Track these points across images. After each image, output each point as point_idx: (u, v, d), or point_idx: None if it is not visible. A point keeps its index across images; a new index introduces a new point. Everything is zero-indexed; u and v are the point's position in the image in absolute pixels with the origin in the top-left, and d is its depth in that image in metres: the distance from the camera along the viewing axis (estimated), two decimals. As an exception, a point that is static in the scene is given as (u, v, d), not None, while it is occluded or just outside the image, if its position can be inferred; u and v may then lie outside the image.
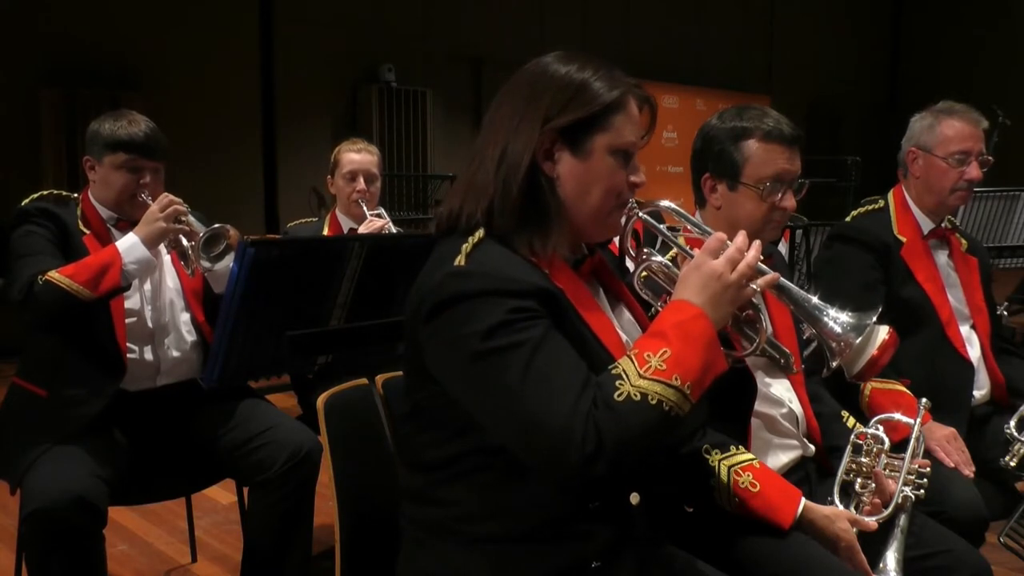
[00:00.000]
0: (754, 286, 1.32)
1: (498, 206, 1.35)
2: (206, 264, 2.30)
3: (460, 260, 1.30)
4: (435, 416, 1.36)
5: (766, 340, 1.41)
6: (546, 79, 1.38)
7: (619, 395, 1.20)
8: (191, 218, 2.31)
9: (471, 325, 1.24)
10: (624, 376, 1.22)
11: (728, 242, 1.33)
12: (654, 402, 1.19)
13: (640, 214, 1.45)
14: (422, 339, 1.32)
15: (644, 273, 1.47)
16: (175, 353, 2.39)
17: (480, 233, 1.34)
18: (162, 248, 2.39)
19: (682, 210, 1.50)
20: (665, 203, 1.49)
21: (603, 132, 1.37)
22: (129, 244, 2.21)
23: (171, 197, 2.29)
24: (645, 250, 1.48)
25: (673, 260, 1.49)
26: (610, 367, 1.25)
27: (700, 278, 1.30)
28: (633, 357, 1.23)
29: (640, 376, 1.21)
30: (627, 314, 1.53)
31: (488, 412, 1.26)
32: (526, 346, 1.22)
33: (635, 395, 1.20)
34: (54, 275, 2.12)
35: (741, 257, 1.31)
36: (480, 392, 1.26)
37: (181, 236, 2.29)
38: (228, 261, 2.31)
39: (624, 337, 1.42)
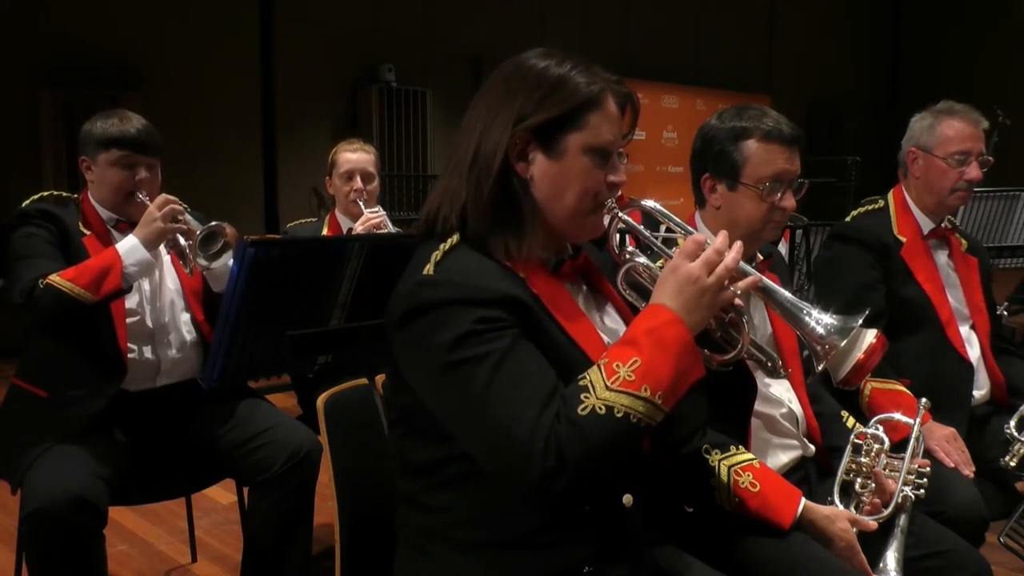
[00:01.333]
0: (734, 289, 1.29)
1: (471, 209, 1.33)
2: (203, 262, 2.30)
3: (429, 268, 1.28)
4: (419, 422, 1.35)
5: (750, 343, 1.37)
6: (520, 75, 1.35)
7: (583, 409, 1.18)
8: (188, 217, 2.31)
9: (438, 336, 1.23)
10: (590, 388, 1.20)
11: (708, 243, 1.29)
12: (620, 415, 1.17)
13: (620, 215, 1.41)
14: (396, 348, 1.31)
15: (629, 275, 1.44)
16: (175, 353, 2.39)
17: (455, 238, 1.32)
18: (162, 248, 2.38)
19: (666, 210, 1.47)
20: (648, 203, 1.46)
21: (577, 131, 1.33)
22: (129, 246, 2.21)
23: (168, 197, 2.29)
24: (630, 250, 1.45)
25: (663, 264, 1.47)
26: (578, 378, 1.22)
27: (675, 282, 1.26)
28: (602, 367, 1.21)
29: (607, 388, 1.19)
30: (615, 316, 1.50)
31: (454, 422, 1.26)
32: (491, 358, 1.20)
33: (600, 408, 1.18)
34: (55, 279, 2.12)
35: (719, 259, 1.27)
36: (447, 402, 1.25)
37: (179, 235, 2.30)
38: (226, 259, 2.32)
39: (607, 340, 1.40)
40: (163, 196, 2.30)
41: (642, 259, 1.44)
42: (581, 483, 1.18)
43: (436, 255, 1.29)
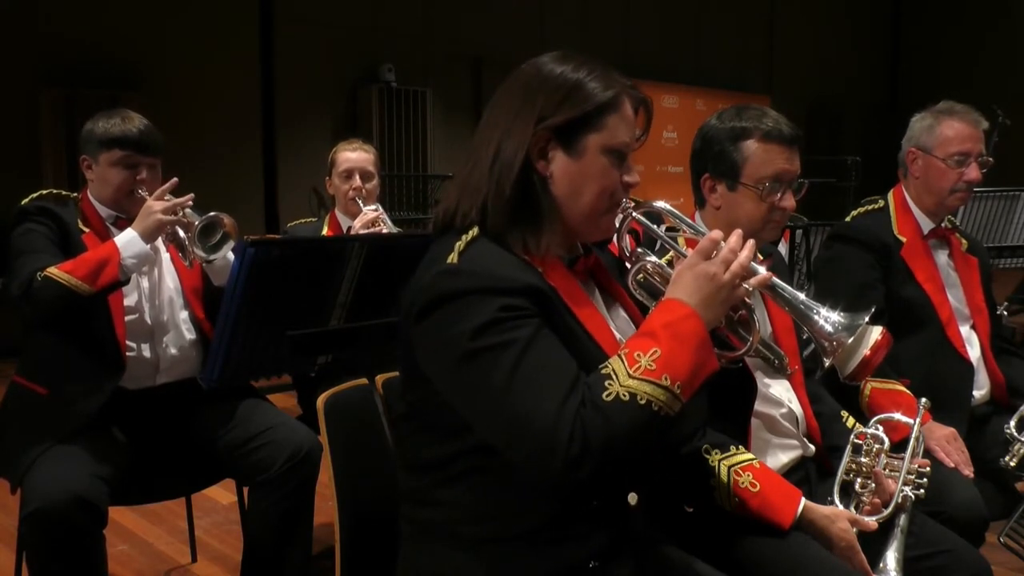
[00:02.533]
0: (746, 286, 1.32)
1: (491, 204, 1.35)
2: (202, 254, 2.30)
3: (452, 258, 1.30)
4: (430, 417, 1.36)
5: (759, 341, 1.40)
6: (540, 78, 1.39)
7: (608, 395, 1.20)
8: (188, 210, 2.31)
9: (461, 324, 1.24)
10: (613, 376, 1.22)
11: (723, 242, 1.33)
12: (643, 402, 1.19)
13: (634, 215, 1.45)
14: (414, 338, 1.32)
15: (640, 275, 1.47)
16: (174, 351, 2.39)
17: (474, 231, 1.34)
18: (161, 247, 2.39)
19: (677, 211, 1.49)
20: (660, 204, 1.49)
21: (596, 132, 1.37)
22: (127, 239, 2.21)
23: (166, 191, 2.29)
24: (640, 250, 1.47)
25: (670, 262, 1.49)
26: (600, 367, 1.24)
27: (693, 278, 1.30)
28: (623, 356, 1.23)
29: (630, 376, 1.21)
30: (623, 314, 1.53)
31: (476, 411, 1.26)
32: (515, 345, 1.22)
33: (624, 395, 1.20)
34: (53, 271, 2.12)
35: (734, 257, 1.31)
36: (469, 391, 1.26)
37: (178, 228, 2.30)
38: (225, 251, 2.32)
39: (619, 336, 1.42)
40: (162, 190, 2.30)
41: (652, 258, 1.46)
42: (604, 470, 1.19)
43: (459, 245, 1.32)
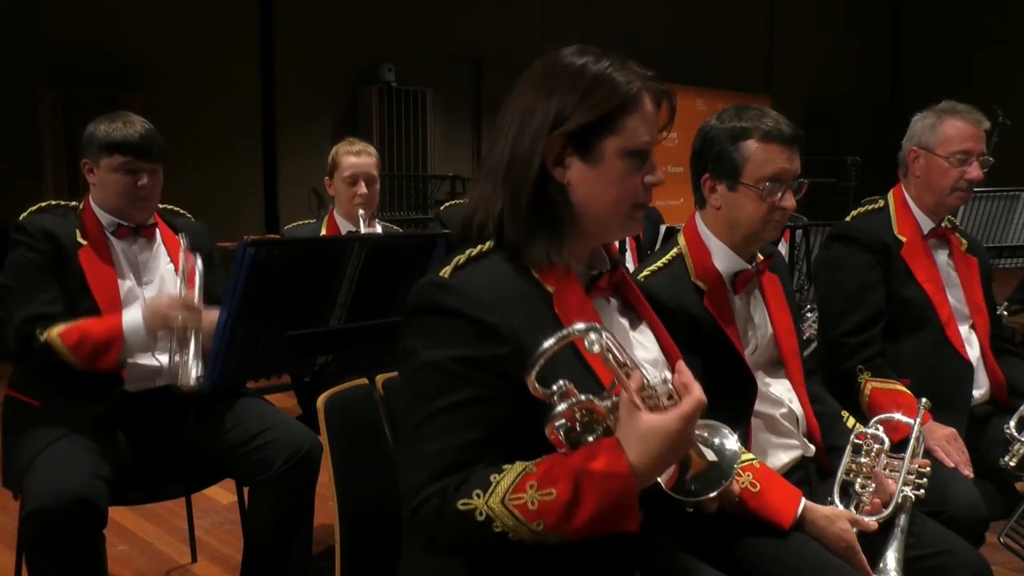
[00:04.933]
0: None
1: (508, 217, 1.30)
2: (193, 374, 2.23)
3: (447, 271, 1.27)
4: None
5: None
6: (555, 77, 1.31)
7: (464, 504, 1.16)
8: (192, 334, 2.25)
9: (421, 340, 1.24)
10: (491, 486, 1.16)
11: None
12: (497, 529, 1.15)
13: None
14: (401, 339, 1.32)
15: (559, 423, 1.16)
16: (175, 356, 2.38)
17: (487, 245, 1.30)
18: (162, 255, 2.39)
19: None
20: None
21: (614, 135, 1.29)
22: (133, 326, 2.20)
23: (190, 305, 2.25)
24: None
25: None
26: (496, 468, 1.18)
27: (658, 444, 1.13)
28: (519, 477, 1.16)
29: (502, 501, 1.15)
30: (650, 333, 1.47)
31: (401, 416, 1.29)
32: (442, 399, 1.20)
33: (480, 515, 1.16)
34: (56, 340, 2.13)
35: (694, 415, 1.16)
36: (405, 397, 1.27)
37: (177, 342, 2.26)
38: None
39: (638, 356, 1.36)
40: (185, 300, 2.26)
41: (563, 406, 1.15)
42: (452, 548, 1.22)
43: (459, 259, 1.28)
